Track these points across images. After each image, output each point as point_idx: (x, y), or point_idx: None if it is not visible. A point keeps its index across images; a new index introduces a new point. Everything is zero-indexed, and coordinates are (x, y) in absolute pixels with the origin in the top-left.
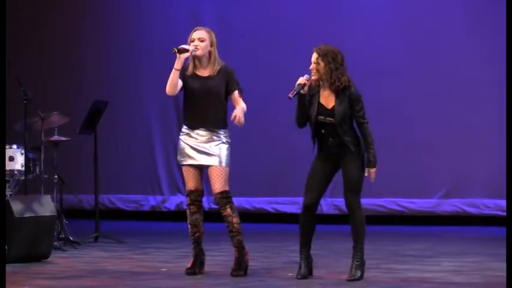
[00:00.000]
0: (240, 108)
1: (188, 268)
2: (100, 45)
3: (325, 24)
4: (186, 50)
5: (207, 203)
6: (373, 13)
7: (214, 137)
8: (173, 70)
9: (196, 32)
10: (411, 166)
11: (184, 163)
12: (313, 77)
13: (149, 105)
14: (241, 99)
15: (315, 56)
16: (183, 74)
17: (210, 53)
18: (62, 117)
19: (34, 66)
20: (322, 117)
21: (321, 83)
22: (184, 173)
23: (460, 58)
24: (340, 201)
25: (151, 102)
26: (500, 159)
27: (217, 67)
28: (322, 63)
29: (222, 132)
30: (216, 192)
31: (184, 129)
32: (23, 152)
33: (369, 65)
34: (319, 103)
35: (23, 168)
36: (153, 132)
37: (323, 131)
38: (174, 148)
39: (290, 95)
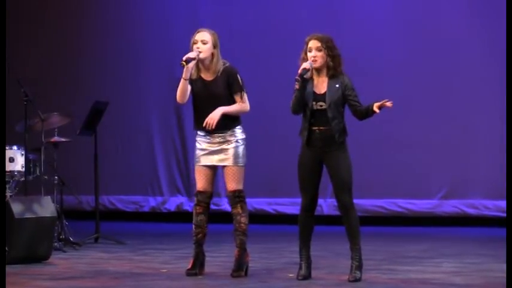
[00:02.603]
0: (218, 111)
1: (188, 269)
2: (100, 45)
3: (326, 24)
4: (193, 59)
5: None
6: (373, 13)
7: (228, 137)
8: (181, 80)
9: (199, 33)
10: (411, 167)
11: (198, 164)
12: (314, 66)
13: (149, 106)
14: (242, 102)
15: (317, 42)
16: (189, 78)
17: (212, 55)
18: (62, 118)
19: (34, 66)
20: (314, 103)
21: (314, 71)
22: (196, 173)
23: (460, 58)
24: None
25: (151, 103)
26: (500, 160)
27: (220, 69)
28: (324, 51)
29: (235, 131)
30: (228, 190)
31: (198, 134)
32: (23, 153)
33: (369, 65)
34: (312, 90)
35: (23, 169)
36: (153, 133)
37: (312, 120)
38: (174, 149)
39: (298, 77)
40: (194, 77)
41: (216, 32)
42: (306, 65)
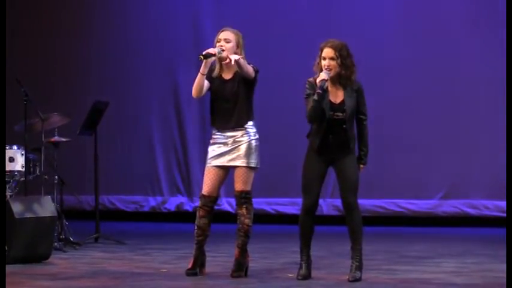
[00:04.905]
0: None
1: (188, 269)
2: (100, 45)
3: (326, 24)
4: (212, 55)
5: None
6: (373, 13)
7: (240, 138)
8: (199, 74)
9: (223, 32)
10: (411, 167)
11: (208, 164)
12: (331, 74)
13: (149, 106)
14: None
15: (330, 51)
16: (209, 75)
17: (235, 54)
18: (62, 117)
19: (34, 66)
20: (332, 113)
21: (335, 78)
22: (205, 174)
23: (460, 58)
24: (340, 202)
25: (151, 102)
26: (500, 160)
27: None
28: (339, 59)
29: (247, 130)
30: (236, 190)
31: (213, 134)
32: (23, 152)
33: (369, 65)
34: (329, 99)
35: (23, 169)
36: (153, 133)
37: (328, 128)
38: (174, 149)
39: (319, 90)
40: (215, 75)
41: (241, 32)
42: (323, 75)
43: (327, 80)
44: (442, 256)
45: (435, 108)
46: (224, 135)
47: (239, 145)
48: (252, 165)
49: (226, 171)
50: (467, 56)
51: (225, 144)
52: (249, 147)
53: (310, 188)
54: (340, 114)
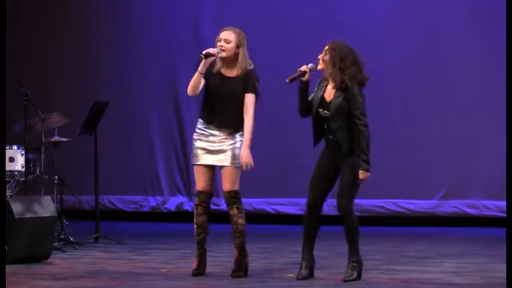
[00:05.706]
0: (246, 150)
1: (194, 269)
2: (100, 45)
3: (326, 24)
4: (212, 55)
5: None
6: (373, 13)
7: (227, 138)
8: (197, 73)
9: (224, 32)
10: (411, 167)
11: (197, 163)
12: (319, 67)
13: (149, 105)
14: (251, 106)
15: (326, 48)
16: (207, 72)
17: (236, 54)
18: (62, 117)
19: (35, 66)
20: (321, 110)
21: (328, 77)
22: (195, 173)
23: (460, 58)
24: None
25: (151, 102)
26: (500, 160)
27: (244, 69)
28: (328, 56)
29: (235, 131)
30: (224, 191)
31: (199, 128)
32: (23, 152)
33: (369, 65)
34: (322, 96)
35: (23, 169)
36: (153, 133)
37: (325, 126)
38: (174, 149)
39: (287, 79)
40: (215, 71)
41: (243, 32)
42: (303, 67)
43: (304, 72)
44: (441, 256)
45: (435, 108)
46: (209, 132)
47: (226, 146)
48: (239, 165)
49: (215, 169)
50: (467, 56)
51: (211, 142)
52: (235, 148)
53: (312, 185)
54: (327, 112)
